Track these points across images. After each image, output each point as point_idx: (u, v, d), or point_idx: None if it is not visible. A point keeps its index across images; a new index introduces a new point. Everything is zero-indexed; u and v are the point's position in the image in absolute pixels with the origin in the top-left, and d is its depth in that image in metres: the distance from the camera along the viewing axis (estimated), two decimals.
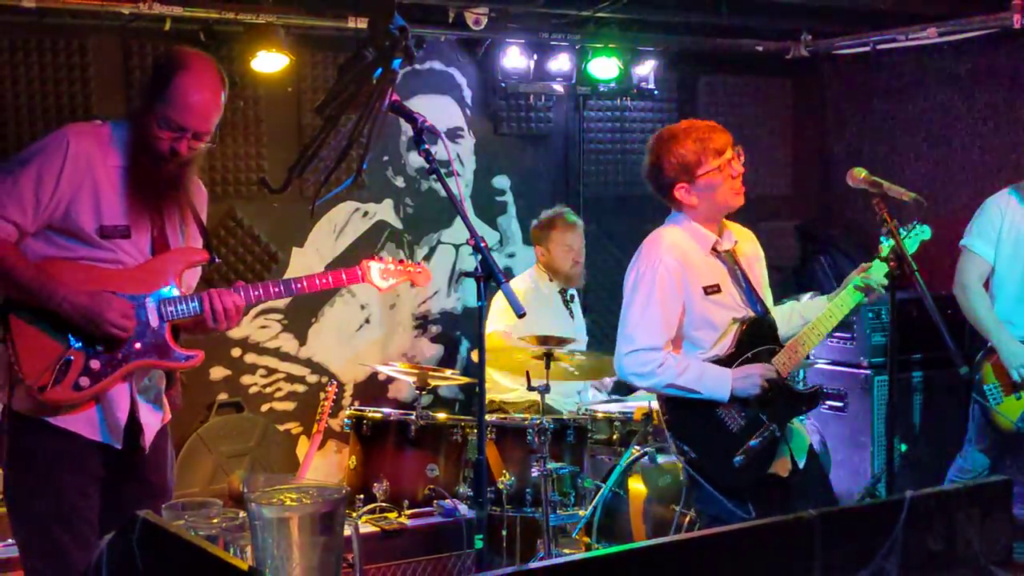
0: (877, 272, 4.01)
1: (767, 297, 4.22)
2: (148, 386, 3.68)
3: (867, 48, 6.97)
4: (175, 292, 3.60)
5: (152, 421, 3.67)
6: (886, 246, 3.95)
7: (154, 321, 3.56)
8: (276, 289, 3.77)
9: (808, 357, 4.22)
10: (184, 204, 3.67)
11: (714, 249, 4.07)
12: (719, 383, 3.94)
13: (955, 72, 6.97)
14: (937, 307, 4.00)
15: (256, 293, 3.72)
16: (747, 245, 4.23)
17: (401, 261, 4.18)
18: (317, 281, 3.82)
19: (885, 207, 4.01)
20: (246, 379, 6.34)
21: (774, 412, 4.02)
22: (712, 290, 4.02)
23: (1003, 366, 5.30)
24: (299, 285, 3.80)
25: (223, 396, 6.25)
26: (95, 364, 3.49)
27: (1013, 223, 5.34)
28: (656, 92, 7.25)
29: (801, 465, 4.12)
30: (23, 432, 3.48)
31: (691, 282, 4.01)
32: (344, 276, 3.93)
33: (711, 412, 4.00)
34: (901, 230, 3.98)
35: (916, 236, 4.03)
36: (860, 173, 4.15)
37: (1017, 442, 5.46)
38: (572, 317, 6.20)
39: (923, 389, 6.36)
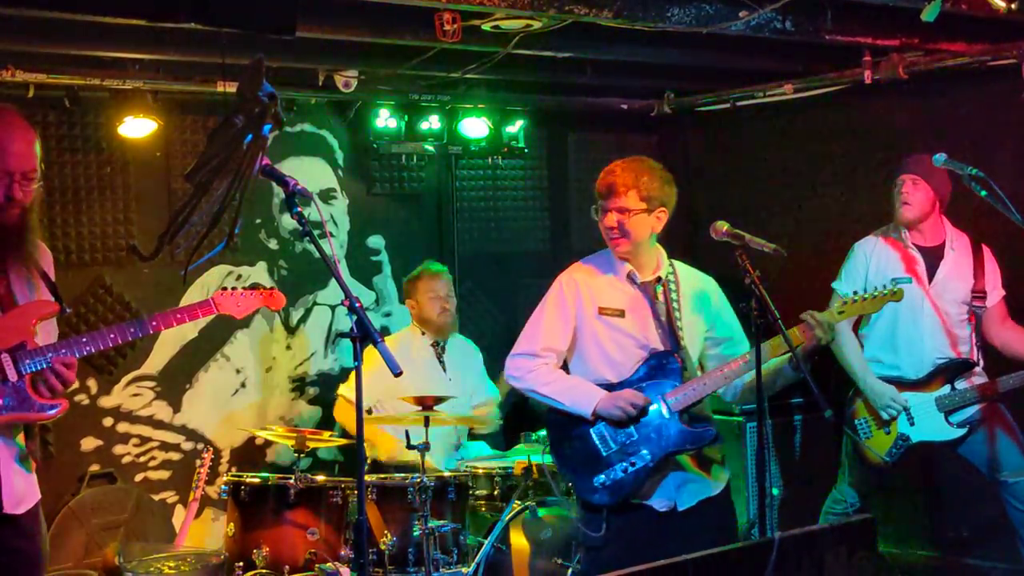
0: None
1: (697, 336, 4.32)
2: (22, 453, 3.63)
3: (727, 105, 7.19)
4: (29, 346, 3.58)
5: (23, 484, 3.62)
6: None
7: (12, 376, 3.54)
8: (132, 330, 3.77)
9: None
10: (27, 260, 3.65)
11: (629, 277, 4.26)
12: (585, 400, 4.16)
13: (812, 126, 7.22)
14: (805, 353, 4.12)
15: (112, 336, 3.71)
16: (691, 286, 4.37)
17: (253, 288, 4.24)
18: (173, 318, 3.84)
19: (747, 258, 4.13)
20: (119, 449, 6.20)
21: (649, 443, 4.15)
22: (611, 312, 4.23)
23: None
24: (154, 323, 3.81)
25: (95, 467, 6.09)
26: None
27: (879, 267, 5.50)
28: (526, 150, 7.37)
29: (681, 508, 4.21)
30: None
31: (586, 299, 4.25)
32: (199, 311, 3.94)
33: (586, 432, 4.19)
34: None
35: None
36: (722, 226, 4.25)
37: (885, 476, 5.62)
38: (445, 371, 6.21)
39: (803, 431, 6.54)
